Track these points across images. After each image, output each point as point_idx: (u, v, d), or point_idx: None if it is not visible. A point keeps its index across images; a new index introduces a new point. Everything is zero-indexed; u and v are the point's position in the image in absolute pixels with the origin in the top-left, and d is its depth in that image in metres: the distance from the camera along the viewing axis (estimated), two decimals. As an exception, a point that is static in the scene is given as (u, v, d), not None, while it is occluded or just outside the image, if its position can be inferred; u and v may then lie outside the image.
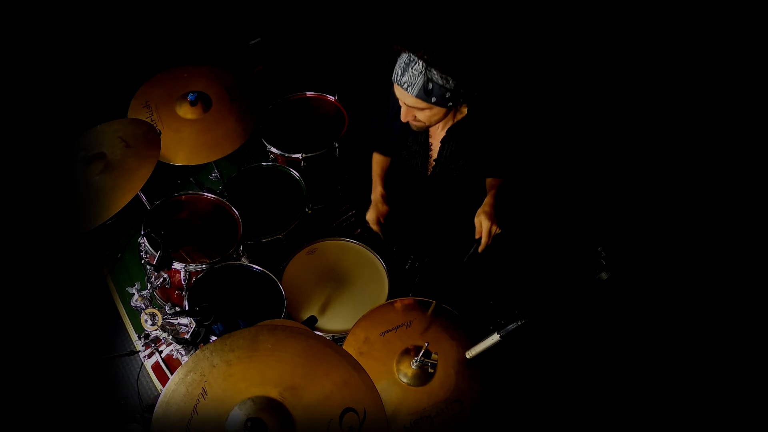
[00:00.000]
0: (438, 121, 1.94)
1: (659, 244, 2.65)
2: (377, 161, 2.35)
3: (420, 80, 1.75)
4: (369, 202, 2.28)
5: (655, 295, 2.53)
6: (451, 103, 1.83)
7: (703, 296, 2.50)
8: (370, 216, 2.24)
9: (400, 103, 1.88)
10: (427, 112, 1.86)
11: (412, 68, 1.75)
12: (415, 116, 1.88)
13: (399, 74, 1.79)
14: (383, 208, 2.24)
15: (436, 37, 1.83)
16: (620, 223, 2.74)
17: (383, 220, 2.23)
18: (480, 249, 1.96)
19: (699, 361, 2.39)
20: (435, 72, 1.73)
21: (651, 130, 2.83)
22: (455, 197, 2.23)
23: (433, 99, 1.79)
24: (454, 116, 2.03)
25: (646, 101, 2.82)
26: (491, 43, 2.79)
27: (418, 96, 1.78)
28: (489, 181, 2.13)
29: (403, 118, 1.90)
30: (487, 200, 2.03)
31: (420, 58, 1.73)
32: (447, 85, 1.76)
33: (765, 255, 2.48)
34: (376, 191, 2.28)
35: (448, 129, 2.05)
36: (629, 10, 2.71)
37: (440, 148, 2.11)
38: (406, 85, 1.78)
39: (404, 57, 1.77)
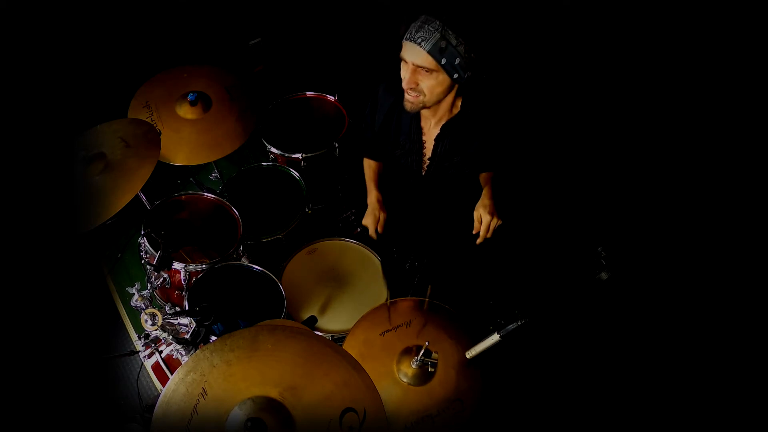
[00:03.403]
0: (436, 101, 1.93)
1: (659, 244, 2.65)
2: (369, 166, 2.33)
3: (436, 36, 1.76)
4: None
5: (655, 295, 2.53)
6: (456, 75, 1.83)
7: (703, 296, 2.50)
8: (368, 221, 2.20)
9: (405, 68, 1.87)
10: (431, 79, 1.85)
11: (429, 25, 1.77)
12: (418, 83, 1.87)
13: (413, 31, 1.80)
14: (381, 213, 2.19)
15: (455, 3, 1.86)
16: (620, 223, 2.74)
17: (381, 227, 2.18)
18: (478, 242, 1.94)
19: (699, 361, 2.39)
20: (451, 33, 1.76)
21: (651, 130, 2.83)
22: (451, 195, 2.22)
23: (443, 61, 1.79)
24: (451, 108, 2.02)
25: (646, 100, 2.81)
26: (504, 24, 2.81)
27: (430, 52, 1.77)
28: (483, 175, 2.12)
29: (406, 84, 1.88)
30: (485, 193, 2.01)
31: (439, 18, 1.76)
32: (460, 49, 1.78)
33: (765, 255, 2.48)
34: (372, 195, 2.25)
35: (443, 126, 2.05)
36: (629, 9, 2.71)
37: (434, 146, 2.10)
38: (420, 40, 1.77)
39: (422, 17, 1.80)
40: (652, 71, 2.76)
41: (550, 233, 2.72)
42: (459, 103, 2.02)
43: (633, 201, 2.78)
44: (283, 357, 1.37)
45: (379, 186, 2.29)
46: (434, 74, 1.84)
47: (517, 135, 2.11)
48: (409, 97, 1.91)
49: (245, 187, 2.47)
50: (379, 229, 2.19)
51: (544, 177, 2.89)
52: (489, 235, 1.92)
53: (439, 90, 1.89)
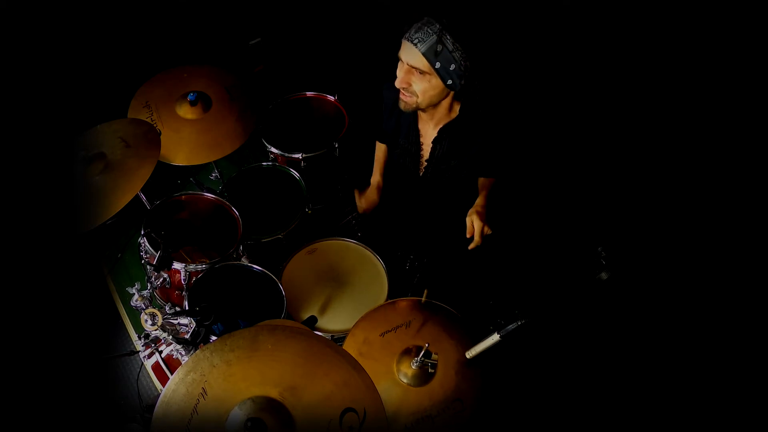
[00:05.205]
0: (429, 104, 1.93)
1: (659, 244, 2.65)
2: (380, 148, 2.39)
3: (432, 39, 1.77)
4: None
5: (655, 295, 2.53)
6: (450, 81, 1.84)
7: (703, 296, 2.50)
8: (360, 202, 2.26)
9: (401, 67, 1.88)
10: (424, 82, 1.86)
11: (428, 27, 1.78)
12: (410, 84, 1.87)
13: (413, 32, 1.81)
14: (373, 196, 2.26)
15: (457, 8, 1.87)
16: (620, 223, 2.74)
17: (368, 209, 2.24)
18: (470, 247, 1.92)
19: (699, 361, 2.39)
20: (449, 37, 1.77)
21: (651, 130, 2.83)
22: (448, 197, 2.22)
23: (438, 64, 1.80)
24: (449, 112, 2.02)
25: (646, 100, 2.82)
26: (499, 31, 2.82)
27: (425, 54, 1.79)
28: (481, 181, 2.12)
29: (399, 83, 1.89)
30: (479, 200, 2.01)
31: (438, 21, 1.78)
32: (455, 55, 1.78)
33: (765, 255, 2.48)
34: (374, 178, 2.32)
35: (440, 129, 2.05)
36: (628, 10, 2.71)
37: (432, 148, 2.10)
38: (416, 41, 1.79)
39: (424, 19, 1.81)
40: (651, 72, 2.76)
41: (550, 233, 2.72)
42: (457, 107, 2.02)
43: (633, 201, 2.78)
44: (283, 357, 1.37)
45: (385, 172, 2.32)
46: (427, 77, 1.84)
47: (516, 140, 2.11)
48: (403, 97, 1.93)
49: (245, 187, 2.47)
50: (366, 211, 2.23)
51: (545, 177, 2.89)
52: (480, 242, 1.92)
53: (431, 93, 1.89)
